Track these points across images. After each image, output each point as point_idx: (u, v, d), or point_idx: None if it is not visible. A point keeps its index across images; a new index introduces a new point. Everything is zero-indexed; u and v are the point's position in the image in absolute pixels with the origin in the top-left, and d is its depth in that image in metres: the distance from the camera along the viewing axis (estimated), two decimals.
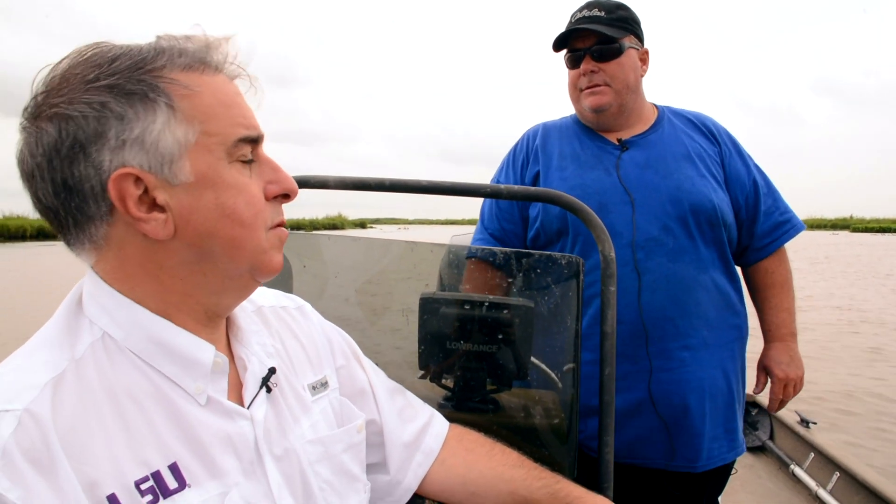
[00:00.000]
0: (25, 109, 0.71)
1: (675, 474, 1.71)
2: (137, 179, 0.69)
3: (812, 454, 3.52)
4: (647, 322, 1.66)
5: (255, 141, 0.77)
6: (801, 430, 3.75)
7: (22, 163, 0.71)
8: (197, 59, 0.74)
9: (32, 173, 0.70)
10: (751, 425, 4.15)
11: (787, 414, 3.97)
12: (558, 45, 1.80)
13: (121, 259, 0.73)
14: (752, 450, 3.99)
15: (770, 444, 3.95)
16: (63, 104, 0.68)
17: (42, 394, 0.66)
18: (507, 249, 1.47)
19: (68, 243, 0.74)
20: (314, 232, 1.42)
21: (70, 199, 0.70)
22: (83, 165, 0.68)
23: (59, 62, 0.72)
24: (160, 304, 0.75)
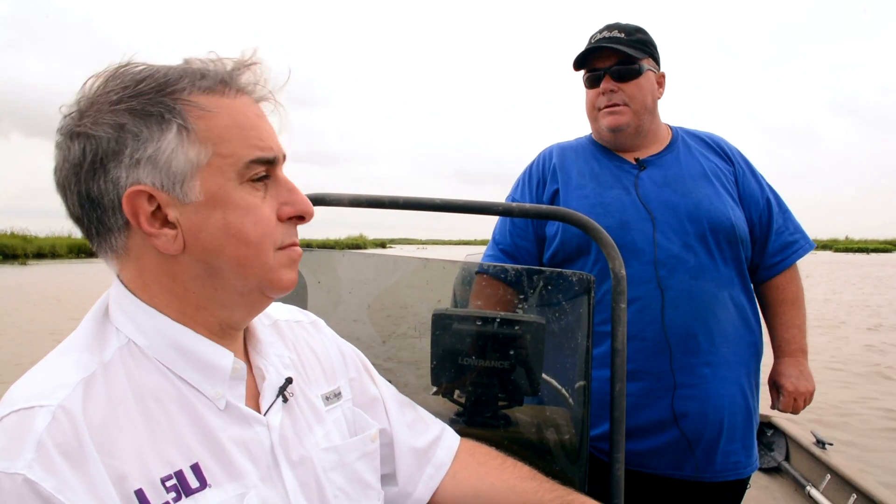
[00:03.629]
0: (60, 127, 0.77)
1: (689, 484, 1.73)
2: (150, 197, 0.74)
3: (829, 475, 3.47)
4: (671, 338, 1.68)
5: (269, 162, 0.79)
6: (816, 451, 3.70)
7: (55, 175, 0.77)
8: (218, 81, 0.77)
9: (63, 185, 0.77)
10: (766, 446, 4.10)
11: (803, 434, 3.91)
12: (578, 63, 1.84)
13: (139, 269, 0.78)
14: (767, 471, 3.94)
15: (786, 465, 3.90)
16: (89, 124, 0.73)
17: (74, 392, 0.69)
18: (519, 266, 1.49)
19: (97, 251, 0.80)
20: (328, 248, 1.44)
21: (93, 210, 0.75)
22: (103, 181, 0.74)
23: (90, 82, 0.77)
24: (178, 314, 0.79)
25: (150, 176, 0.73)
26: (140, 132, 0.73)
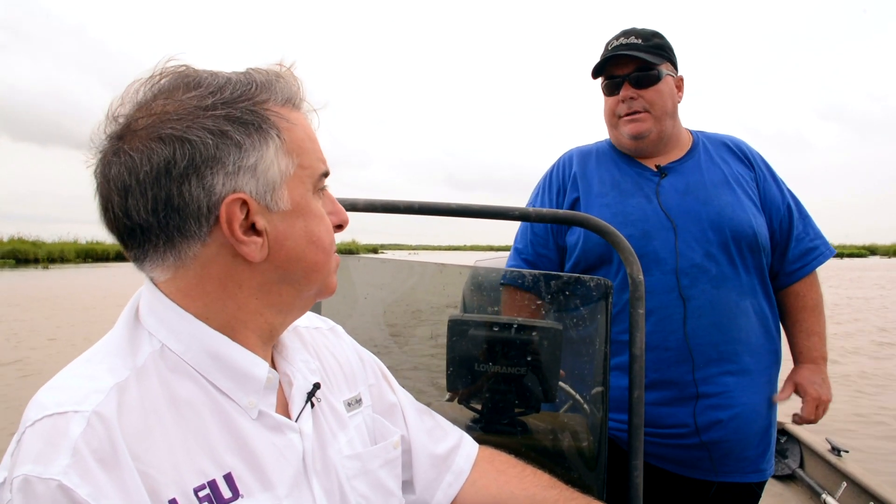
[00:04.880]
0: (113, 131, 0.74)
1: (705, 484, 1.72)
2: (243, 204, 0.73)
3: (844, 483, 3.42)
4: (693, 348, 1.66)
5: (327, 175, 0.83)
6: (832, 458, 3.65)
7: (113, 180, 0.72)
8: (289, 95, 0.79)
9: (127, 190, 0.71)
10: (780, 453, 4.05)
11: (818, 441, 3.87)
12: (597, 71, 1.83)
13: (201, 277, 0.76)
14: (781, 478, 3.89)
15: (800, 472, 3.85)
16: (182, 127, 0.71)
17: (108, 397, 0.68)
18: (536, 272, 1.48)
19: (143, 258, 0.76)
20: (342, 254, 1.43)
21: (170, 216, 0.72)
22: (194, 187, 0.71)
23: (146, 85, 0.74)
24: (228, 321, 0.78)
25: (248, 184, 0.73)
26: (243, 141, 0.73)
